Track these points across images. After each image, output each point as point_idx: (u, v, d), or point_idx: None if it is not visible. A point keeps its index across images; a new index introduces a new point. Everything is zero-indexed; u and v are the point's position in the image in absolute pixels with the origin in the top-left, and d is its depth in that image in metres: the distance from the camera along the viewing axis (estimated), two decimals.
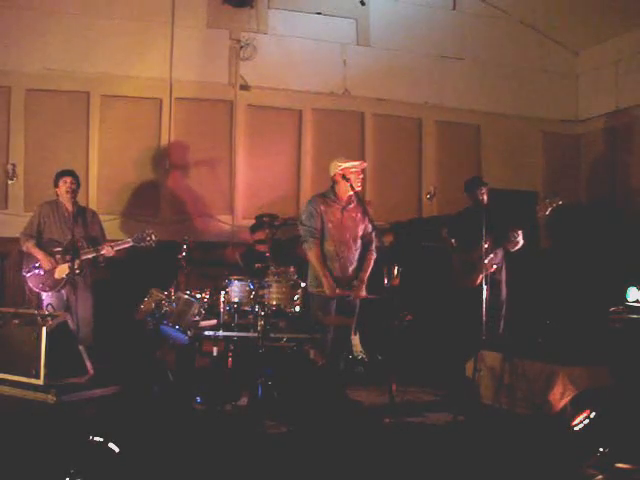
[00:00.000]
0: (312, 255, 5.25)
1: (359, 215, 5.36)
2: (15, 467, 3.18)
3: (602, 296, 5.61)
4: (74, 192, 5.52)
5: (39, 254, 5.36)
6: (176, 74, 6.98)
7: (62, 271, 5.31)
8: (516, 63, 8.26)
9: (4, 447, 3.28)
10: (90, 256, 5.35)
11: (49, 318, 3.81)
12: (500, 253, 5.75)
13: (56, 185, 5.57)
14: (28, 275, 5.40)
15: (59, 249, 5.39)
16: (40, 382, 3.59)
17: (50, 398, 3.50)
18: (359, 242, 5.39)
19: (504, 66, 8.22)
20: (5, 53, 6.45)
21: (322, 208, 5.29)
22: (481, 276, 5.31)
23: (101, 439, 3.32)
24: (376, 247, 5.39)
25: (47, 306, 5.03)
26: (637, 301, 5.22)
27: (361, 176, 5.32)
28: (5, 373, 3.74)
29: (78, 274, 5.19)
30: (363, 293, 5.31)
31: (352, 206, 5.37)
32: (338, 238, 5.28)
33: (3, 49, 6.44)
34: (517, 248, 5.75)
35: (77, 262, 5.16)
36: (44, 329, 3.66)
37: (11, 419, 3.54)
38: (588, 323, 5.28)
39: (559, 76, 8.49)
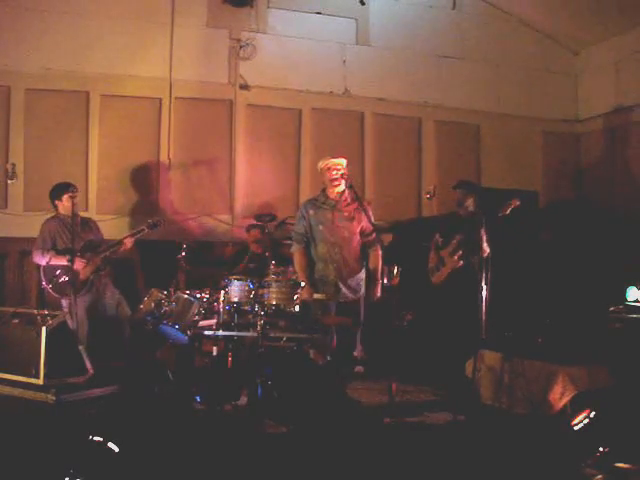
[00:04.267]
0: (294, 259, 5.37)
1: (355, 213, 5.30)
2: (15, 467, 3.18)
3: (602, 296, 5.61)
4: (75, 207, 5.49)
5: (64, 259, 5.24)
6: (176, 74, 6.98)
7: (86, 270, 5.39)
8: (516, 63, 8.27)
9: (4, 447, 3.27)
10: (113, 249, 5.51)
11: (49, 318, 3.82)
12: (476, 258, 5.82)
13: (58, 198, 5.52)
14: (50, 286, 5.33)
15: (78, 254, 5.30)
16: (40, 382, 3.60)
17: (50, 398, 3.51)
18: (356, 241, 5.33)
19: (504, 66, 8.23)
20: (5, 53, 6.45)
21: (310, 212, 5.35)
22: (448, 270, 5.78)
23: (101, 439, 3.32)
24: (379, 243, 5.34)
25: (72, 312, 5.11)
26: (637, 301, 5.22)
27: (334, 172, 5.25)
28: (5, 373, 3.74)
29: (103, 271, 5.48)
30: (379, 293, 5.28)
31: (345, 204, 5.33)
32: (330, 240, 5.28)
33: (3, 49, 6.44)
34: (487, 253, 5.82)
35: (99, 260, 5.43)
36: (44, 329, 3.67)
37: (11, 419, 3.54)
38: (588, 323, 5.28)
39: (559, 76, 8.50)
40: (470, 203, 6.09)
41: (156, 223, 5.66)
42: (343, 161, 5.34)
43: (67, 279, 5.29)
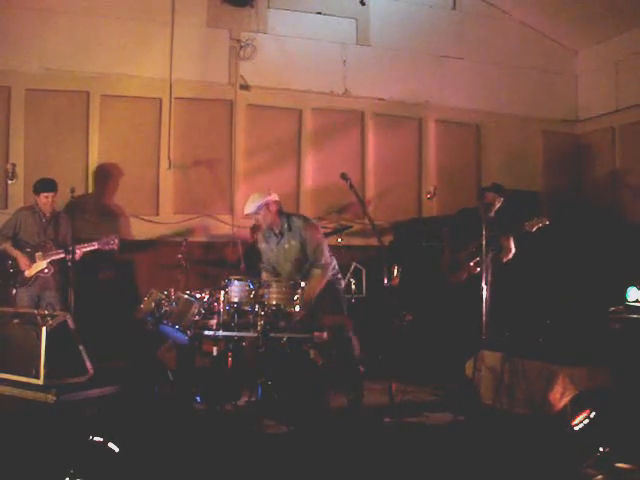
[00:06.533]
0: None
1: None
2: (15, 467, 3.18)
3: (602, 296, 5.61)
4: (52, 205, 5.82)
5: (16, 253, 5.66)
6: (176, 74, 6.98)
7: (32, 270, 5.63)
8: (516, 63, 8.27)
9: (4, 447, 3.28)
10: (59, 257, 5.65)
11: (49, 318, 3.82)
12: (489, 257, 5.79)
13: (36, 194, 5.80)
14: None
15: (29, 250, 5.68)
16: (40, 382, 3.60)
17: (50, 398, 3.51)
18: None
19: (504, 66, 8.23)
20: (5, 53, 6.44)
21: None
22: (465, 274, 5.70)
23: (101, 439, 3.32)
24: None
25: (47, 306, 5.23)
26: (637, 301, 5.22)
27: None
28: (5, 373, 3.74)
29: (46, 273, 5.66)
30: None
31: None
32: None
33: (3, 49, 6.44)
34: (510, 257, 5.80)
35: (45, 262, 5.63)
36: (44, 329, 3.66)
37: (11, 419, 3.54)
38: (588, 323, 5.27)
39: (559, 76, 8.50)
40: (498, 206, 6.02)
41: (108, 242, 5.74)
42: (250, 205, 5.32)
43: (12, 271, 5.64)
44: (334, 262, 5.35)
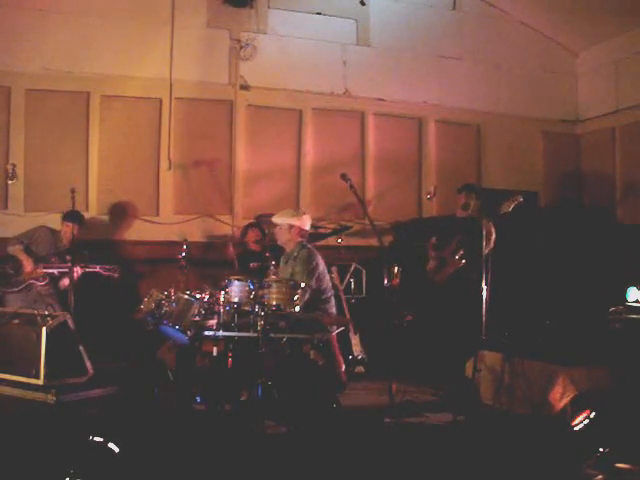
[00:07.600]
0: None
1: None
2: (15, 467, 3.18)
3: (602, 296, 5.61)
4: (71, 235, 5.80)
5: (23, 256, 5.68)
6: (176, 74, 6.98)
7: (28, 270, 5.67)
8: (516, 63, 8.27)
9: (4, 447, 3.28)
10: (62, 270, 5.68)
11: (49, 318, 3.82)
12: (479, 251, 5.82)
13: (62, 220, 5.86)
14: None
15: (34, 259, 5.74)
16: (40, 382, 3.60)
17: (50, 398, 3.51)
18: None
19: (504, 66, 8.23)
20: (5, 53, 6.45)
21: None
22: (451, 270, 5.76)
23: (101, 439, 3.32)
24: None
25: (47, 306, 5.23)
26: (637, 301, 5.22)
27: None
28: (5, 373, 3.74)
29: (41, 282, 5.72)
30: None
31: None
32: None
33: (3, 49, 6.44)
34: (492, 245, 5.83)
35: (41, 273, 5.69)
36: (44, 329, 3.67)
37: (11, 419, 3.54)
38: (588, 323, 5.28)
39: (559, 76, 8.50)
40: (473, 205, 6.14)
41: (109, 269, 5.76)
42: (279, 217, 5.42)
43: (12, 272, 5.68)
44: (328, 293, 5.35)
